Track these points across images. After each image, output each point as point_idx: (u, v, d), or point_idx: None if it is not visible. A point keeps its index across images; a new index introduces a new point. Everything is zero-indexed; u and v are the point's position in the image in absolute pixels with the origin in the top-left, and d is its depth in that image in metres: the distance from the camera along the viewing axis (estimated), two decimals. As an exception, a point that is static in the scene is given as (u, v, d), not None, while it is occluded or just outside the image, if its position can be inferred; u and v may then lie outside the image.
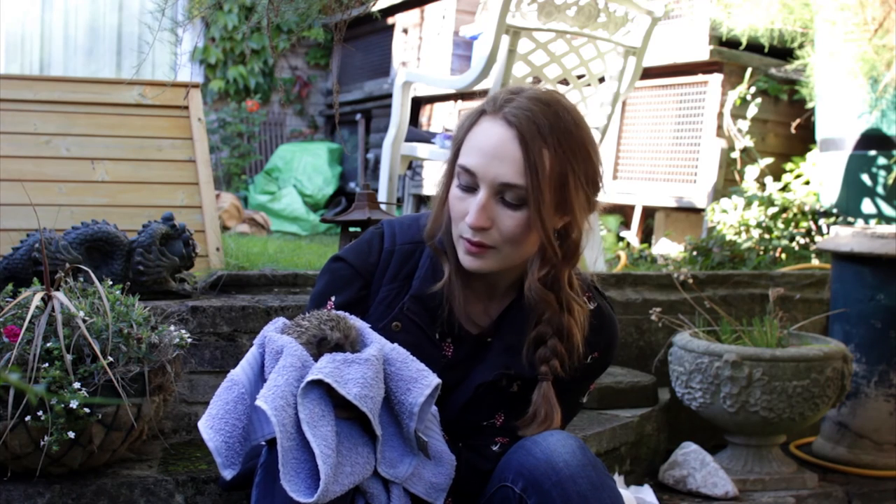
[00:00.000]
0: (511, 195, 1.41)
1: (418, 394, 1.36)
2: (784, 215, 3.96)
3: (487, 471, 1.51)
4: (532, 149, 1.39)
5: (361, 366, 1.33)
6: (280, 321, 1.46)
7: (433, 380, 1.38)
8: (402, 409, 1.37)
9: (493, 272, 1.50)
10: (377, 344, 1.40)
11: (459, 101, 6.51)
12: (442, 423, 1.51)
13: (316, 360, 1.35)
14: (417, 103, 6.95)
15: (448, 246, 1.51)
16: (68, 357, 1.56)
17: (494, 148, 1.41)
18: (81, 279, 1.77)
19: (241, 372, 1.38)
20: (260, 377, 1.38)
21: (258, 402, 1.28)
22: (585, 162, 1.44)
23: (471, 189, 1.43)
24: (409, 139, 3.37)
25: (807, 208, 3.96)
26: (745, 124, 4.66)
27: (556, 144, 1.40)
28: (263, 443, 1.37)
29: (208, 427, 1.33)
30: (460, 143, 1.47)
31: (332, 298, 1.52)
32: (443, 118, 6.62)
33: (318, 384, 1.31)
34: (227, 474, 1.32)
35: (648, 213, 5.11)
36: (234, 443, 1.33)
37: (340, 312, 1.44)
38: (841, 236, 2.85)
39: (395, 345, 1.42)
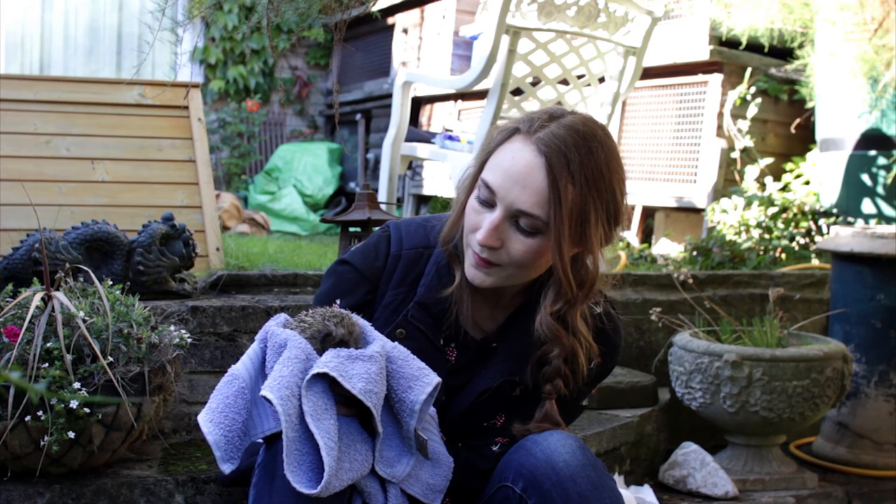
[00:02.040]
0: (526, 222, 1.40)
1: (419, 391, 1.36)
2: (784, 215, 3.96)
3: (487, 470, 1.51)
4: (558, 182, 1.37)
5: (366, 362, 1.33)
6: (282, 317, 1.46)
7: (434, 378, 1.38)
8: (403, 407, 1.38)
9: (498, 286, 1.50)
10: (379, 342, 1.40)
11: (459, 101, 6.51)
12: (443, 424, 1.50)
13: (320, 355, 1.35)
14: (417, 103, 6.95)
15: (460, 251, 1.50)
16: (68, 357, 1.56)
17: (519, 173, 1.39)
18: (81, 279, 1.77)
19: (242, 367, 1.38)
20: (261, 372, 1.38)
21: (263, 392, 1.28)
22: (610, 201, 1.42)
23: (488, 205, 1.42)
24: (409, 139, 3.38)
25: (807, 208, 3.96)
26: (745, 124, 4.65)
27: (583, 182, 1.38)
28: (261, 440, 1.37)
29: (208, 420, 1.33)
30: (488, 155, 1.45)
31: (338, 302, 1.51)
32: (443, 118, 6.62)
33: (322, 378, 1.32)
34: (226, 468, 1.32)
35: (648, 213, 5.11)
36: (233, 437, 1.33)
37: (343, 310, 1.44)
38: (841, 236, 2.85)
39: (396, 343, 1.42)
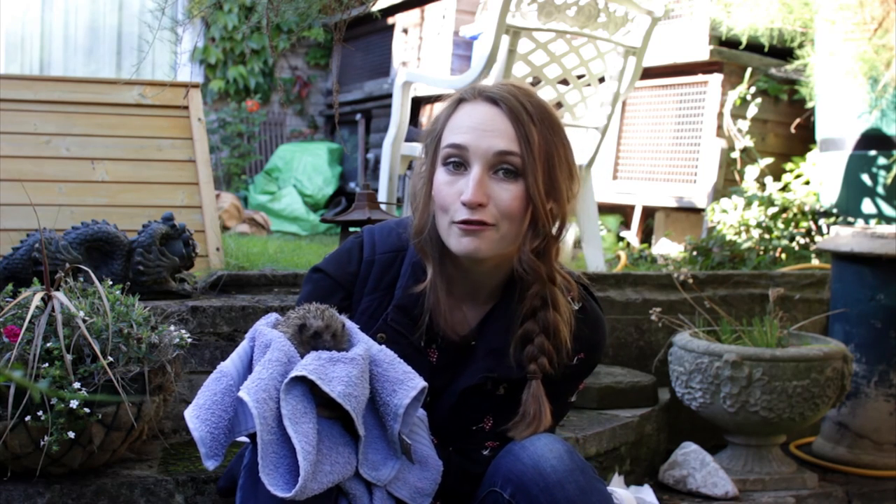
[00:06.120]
0: (506, 166, 1.40)
1: (403, 395, 1.36)
2: (784, 215, 3.96)
3: (478, 474, 1.50)
4: (522, 122, 1.41)
5: (347, 364, 1.33)
6: (272, 316, 1.45)
7: (419, 382, 1.37)
8: (387, 411, 1.37)
9: (478, 272, 1.49)
10: (364, 344, 1.40)
11: (459, 101, 6.50)
12: (432, 427, 1.50)
13: (302, 353, 1.35)
14: (417, 103, 6.95)
15: (433, 245, 1.48)
16: (68, 357, 1.56)
17: (483, 122, 1.42)
18: (81, 279, 1.77)
19: (230, 364, 1.38)
20: (248, 370, 1.38)
21: (241, 394, 1.28)
22: (565, 146, 1.46)
23: (460, 169, 1.42)
24: (409, 139, 3.37)
25: (807, 208, 3.96)
26: (745, 124, 4.66)
27: (541, 122, 1.42)
28: (246, 438, 1.36)
29: (194, 417, 1.33)
30: (440, 131, 1.46)
31: None
32: (443, 118, 6.61)
33: (302, 381, 1.31)
34: (210, 464, 1.32)
35: (648, 213, 5.11)
36: (218, 434, 1.33)
37: (330, 308, 1.43)
38: (841, 236, 2.85)
39: (383, 346, 1.41)
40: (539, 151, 1.41)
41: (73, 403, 1.53)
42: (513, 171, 1.41)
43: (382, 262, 1.54)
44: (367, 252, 1.55)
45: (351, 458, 1.35)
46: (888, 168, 3.61)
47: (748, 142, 4.64)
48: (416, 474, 1.42)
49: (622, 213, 5.35)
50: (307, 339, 1.37)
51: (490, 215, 1.41)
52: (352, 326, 1.44)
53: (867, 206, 3.73)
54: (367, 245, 1.56)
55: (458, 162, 1.42)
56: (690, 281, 2.82)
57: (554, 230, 1.46)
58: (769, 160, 4.59)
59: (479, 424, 1.54)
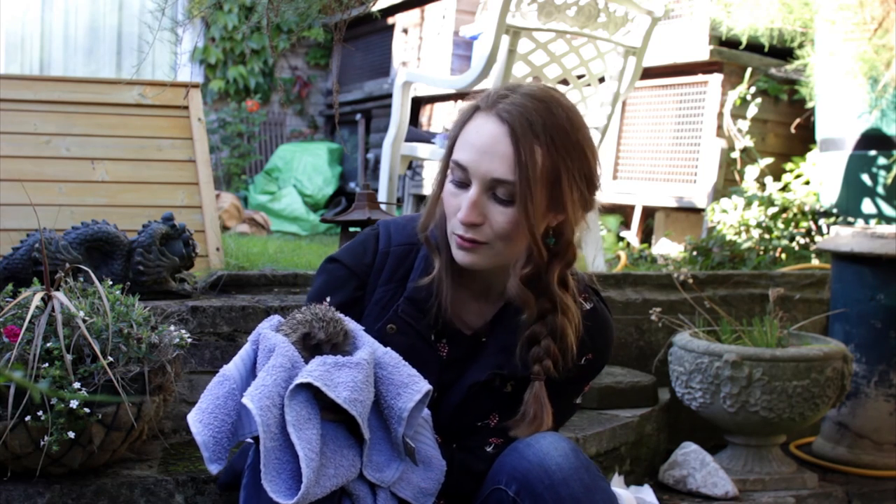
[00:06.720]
0: (502, 191, 1.40)
1: (408, 399, 1.36)
2: (784, 215, 3.96)
3: (482, 472, 1.50)
4: (523, 145, 1.39)
5: (352, 369, 1.33)
6: (275, 319, 1.45)
7: (424, 386, 1.37)
8: (392, 414, 1.37)
9: (488, 271, 1.50)
10: (368, 347, 1.39)
11: (459, 101, 6.50)
12: (436, 423, 1.50)
13: (304, 357, 1.35)
14: (417, 103, 6.96)
15: (441, 241, 1.50)
16: (68, 357, 1.56)
17: (485, 144, 1.41)
18: (81, 279, 1.77)
19: (233, 368, 1.38)
20: (251, 374, 1.37)
21: (244, 400, 1.28)
22: (580, 159, 1.44)
23: (463, 185, 1.43)
24: (409, 139, 3.37)
25: (807, 208, 3.96)
26: (745, 124, 4.66)
27: (549, 141, 1.40)
28: (250, 440, 1.36)
29: (197, 421, 1.33)
30: (455, 138, 1.47)
31: (328, 299, 1.51)
32: (443, 118, 6.62)
33: (307, 386, 1.31)
34: (213, 468, 1.32)
35: (648, 213, 5.11)
36: (221, 437, 1.33)
37: (337, 314, 1.43)
38: (841, 236, 2.85)
39: (388, 349, 1.42)
40: (541, 173, 1.39)
41: (73, 403, 1.53)
42: (507, 197, 1.41)
43: (397, 254, 1.55)
44: (382, 244, 1.56)
45: (355, 461, 1.35)
46: (888, 168, 3.61)
47: (748, 142, 4.64)
48: (419, 475, 1.42)
49: (622, 213, 5.35)
50: (310, 347, 1.38)
51: (484, 235, 1.42)
52: (356, 328, 1.44)
53: (867, 206, 3.73)
54: (382, 237, 1.57)
55: (461, 178, 1.43)
56: (690, 281, 2.82)
57: (555, 254, 1.46)
58: (769, 160, 4.59)
59: (484, 421, 1.54)
